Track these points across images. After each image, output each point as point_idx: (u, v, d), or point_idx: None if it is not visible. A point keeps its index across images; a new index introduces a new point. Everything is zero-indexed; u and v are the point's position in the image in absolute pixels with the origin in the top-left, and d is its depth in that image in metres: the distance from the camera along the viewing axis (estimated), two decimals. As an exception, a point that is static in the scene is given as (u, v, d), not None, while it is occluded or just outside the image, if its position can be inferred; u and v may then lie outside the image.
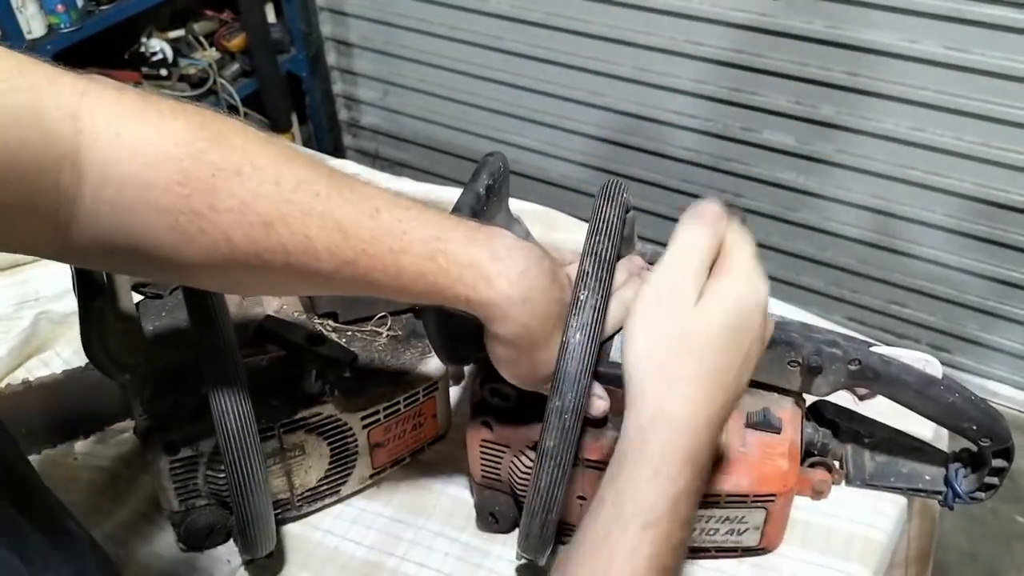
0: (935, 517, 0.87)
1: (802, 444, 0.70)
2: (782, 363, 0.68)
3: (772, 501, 0.67)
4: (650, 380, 0.52)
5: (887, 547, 0.74)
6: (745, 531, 0.69)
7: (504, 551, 0.74)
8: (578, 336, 0.58)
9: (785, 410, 0.69)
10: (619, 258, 0.73)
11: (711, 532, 0.69)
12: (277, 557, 0.72)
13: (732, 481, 0.66)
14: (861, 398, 0.74)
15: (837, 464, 0.75)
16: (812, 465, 0.74)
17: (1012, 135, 1.61)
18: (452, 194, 1.09)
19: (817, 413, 0.75)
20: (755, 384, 0.70)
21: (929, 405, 0.67)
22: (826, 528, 0.74)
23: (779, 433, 0.68)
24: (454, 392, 0.83)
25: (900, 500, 0.76)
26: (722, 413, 0.53)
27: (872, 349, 0.67)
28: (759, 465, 0.66)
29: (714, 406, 0.52)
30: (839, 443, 0.75)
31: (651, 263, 0.75)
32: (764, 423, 0.68)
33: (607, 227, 0.63)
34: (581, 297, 0.59)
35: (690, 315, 0.52)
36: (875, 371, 0.66)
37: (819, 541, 0.73)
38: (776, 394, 0.70)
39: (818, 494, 0.75)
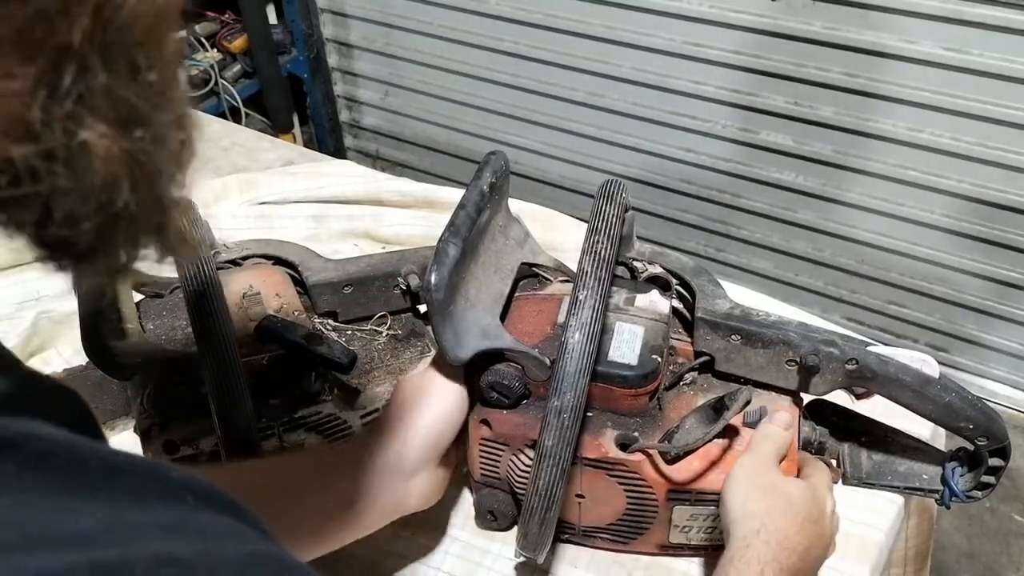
0: (933, 516, 0.88)
1: (799, 442, 0.71)
2: (780, 362, 0.68)
3: None
4: (754, 503, 0.62)
5: (884, 546, 0.75)
6: None
7: (504, 549, 0.74)
8: (577, 336, 0.58)
9: (782, 408, 0.70)
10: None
11: (707, 530, 0.69)
12: (277, 555, 0.73)
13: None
14: (858, 397, 0.74)
15: (834, 463, 0.76)
16: None
17: (1010, 136, 1.61)
18: (451, 194, 1.10)
19: (815, 411, 0.75)
20: (753, 383, 0.71)
21: (926, 404, 0.67)
22: (823, 526, 0.74)
23: None
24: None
25: (897, 499, 0.76)
26: (799, 565, 0.61)
27: (869, 349, 0.67)
28: None
29: (797, 549, 0.61)
30: (836, 441, 0.76)
31: (650, 262, 0.75)
32: (760, 421, 0.68)
33: (607, 227, 0.63)
34: (580, 297, 0.59)
35: (779, 477, 0.64)
36: (872, 370, 0.67)
37: (816, 539, 0.73)
38: (774, 393, 0.71)
39: None
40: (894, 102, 1.68)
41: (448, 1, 2.09)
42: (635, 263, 0.76)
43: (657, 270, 0.75)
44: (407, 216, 1.09)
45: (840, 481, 0.76)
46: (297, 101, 2.54)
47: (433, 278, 0.60)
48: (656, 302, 0.72)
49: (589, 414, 0.68)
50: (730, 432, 0.67)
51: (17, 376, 0.33)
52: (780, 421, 0.68)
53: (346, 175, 1.15)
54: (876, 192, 1.80)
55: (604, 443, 0.66)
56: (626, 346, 0.67)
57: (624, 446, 0.66)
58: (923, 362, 0.68)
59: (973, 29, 1.54)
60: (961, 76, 1.59)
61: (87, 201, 0.29)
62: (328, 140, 2.58)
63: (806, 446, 0.73)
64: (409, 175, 1.41)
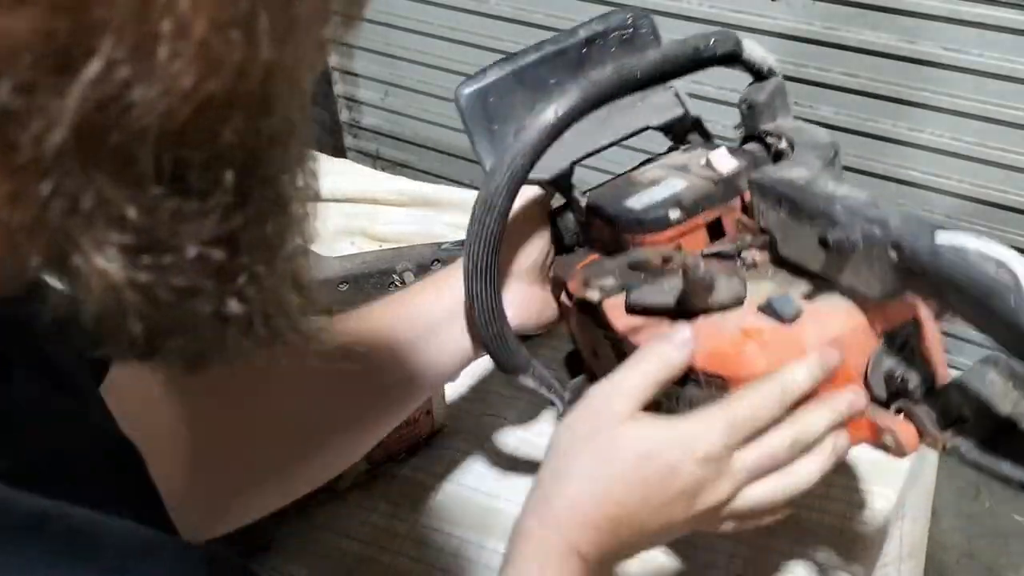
0: (928, 516, 0.88)
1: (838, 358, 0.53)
2: (812, 239, 0.53)
3: (723, 387, 0.53)
4: (562, 453, 0.50)
5: (879, 544, 0.75)
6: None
7: (500, 545, 0.74)
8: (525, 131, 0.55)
9: (827, 306, 0.54)
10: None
11: (664, 404, 0.57)
12: (271, 552, 0.73)
13: None
14: (937, 317, 0.57)
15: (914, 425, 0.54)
16: (896, 409, 0.55)
17: (1010, 135, 1.61)
18: (450, 193, 1.10)
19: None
20: (802, 272, 0.57)
21: (992, 324, 0.45)
22: (817, 523, 0.74)
23: (786, 323, 0.53)
24: (449, 388, 0.83)
25: (892, 496, 0.76)
26: (614, 546, 0.48)
27: (936, 232, 0.47)
28: (718, 336, 0.54)
29: (604, 531, 0.47)
30: (933, 401, 0.54)
31: (778, 136, 0.63)
32: (770, 309, 0.54)
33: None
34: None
35: (615, 415, 0.49)
36: (921, 264, 0.47)
37: (811, 536, 0.73)
38: (837, 296, 0.54)
39: (883, 447, 0.55)
40: (894, 102, 1.68)
41: (448, 1, 2.09)
42: (769, 138, 0.65)
43: (782, 144, 0.63)
44: (404, 214, 1.09)
45: (940, 450, 0.54)
46: (297, 101, 2.54)
47: (462, 88, 0.60)
48: (720, 160, 0.63)
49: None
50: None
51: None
52: (678, 339, 0.52)
53: (344, 174, 1.15)
54: (876, 191, 1.80)
55: (577, 282, 0.62)
56: (649, 196, 0.61)
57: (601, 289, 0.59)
58: (999, 264, 0.45)
59: (973, 29, 1.54)
60: (961, 76, 1.59)
61: (99, 321, 0.25)
62: (328, 140, 2.59)
63: (888, 383, 0.54)
64: (409, 175, 1.41)
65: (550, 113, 0.55)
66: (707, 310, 0.55)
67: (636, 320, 0.57)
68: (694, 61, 0.59)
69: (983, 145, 1.64)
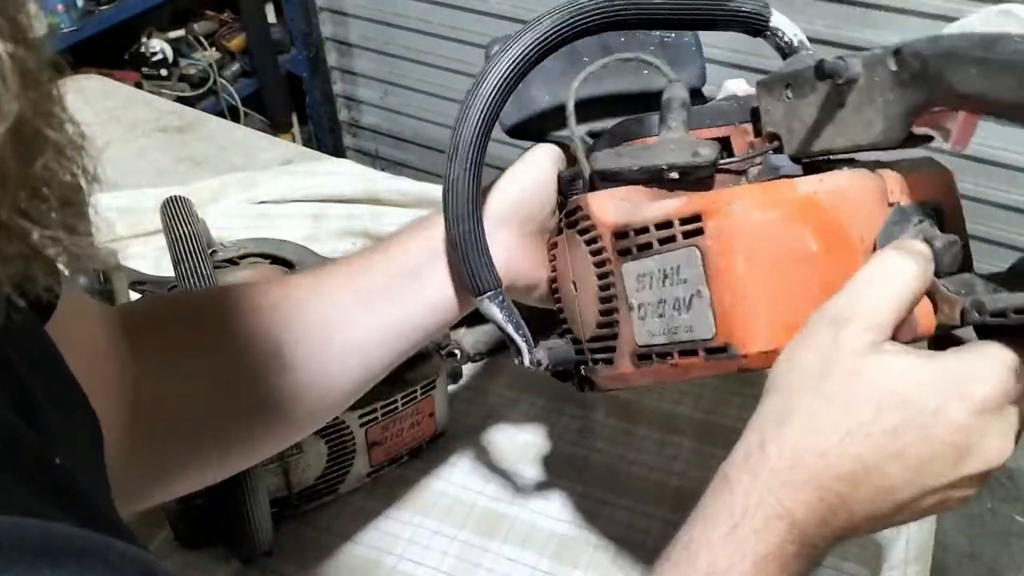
0: (935, 519, 0.87)
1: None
2: (811, 92, 0.49)
3: (700, 232, 0.45)
4: (769, 405, 0.40)
5: (885, 547, 0.74)
6: (690, 301, 0.46)
7: (503, 548, 0.74)
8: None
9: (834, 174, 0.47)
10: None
11: (648, 311, 0.49)
12: (274, 555, 0.72)
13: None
14: (953, 144, 0.46)
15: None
16: None
17: (1010, 136, 1.61)
18: (451, 193, 1.10)
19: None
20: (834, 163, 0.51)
21: (996, 81, 0.37)
22: (824, 527, 0.74)
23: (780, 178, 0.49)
24: (451, 391, 0.83)
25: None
26: (836, 519, 0.38)
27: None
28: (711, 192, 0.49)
29: (831, 495, 0.38)
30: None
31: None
32: (767, 165, 0.51)
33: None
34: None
35: (855, 352, 0.38)
36: (922, 57, 0.41)
37: (817, 540, 0.73)
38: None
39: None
40: (895, 102, 1.68)
41: (448, 0, 2.09)
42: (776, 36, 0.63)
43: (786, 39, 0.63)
44: (406, 215, 1.09)
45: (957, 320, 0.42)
46: (296, 100, 2.54)
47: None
48: (735, 85, 0.63)
49: None
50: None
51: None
52: (914, 247, 0.41)
53: (344, 174, 1.15)
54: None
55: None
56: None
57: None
58: (1006, 13, 0.42)
59: (974, 28, 1.54)
60: (962, 76, 1.59)
61: None
62: (327, 139, 2.58)
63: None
64: (408, 174, 1.41)
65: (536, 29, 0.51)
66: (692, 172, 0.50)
67: (614, 205, 0.52)
68: (708, 11, 0.56)
69: (983, 145, 1.64)
